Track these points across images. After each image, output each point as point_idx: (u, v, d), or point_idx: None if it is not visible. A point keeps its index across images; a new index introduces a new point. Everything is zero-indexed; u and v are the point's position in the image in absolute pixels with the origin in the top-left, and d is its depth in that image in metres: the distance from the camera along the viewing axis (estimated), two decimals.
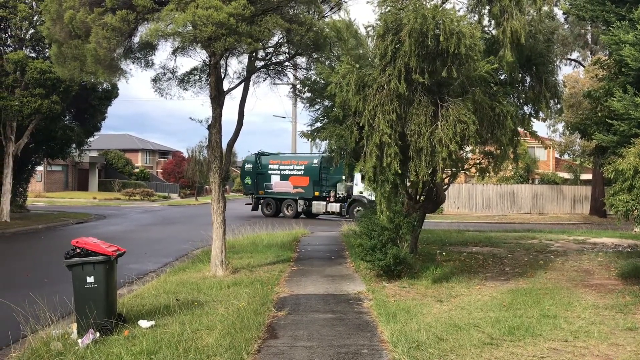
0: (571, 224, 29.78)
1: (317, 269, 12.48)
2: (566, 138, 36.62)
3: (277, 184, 32.61)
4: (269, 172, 32.76)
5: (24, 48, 23.51)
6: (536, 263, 13.15)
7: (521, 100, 12.15)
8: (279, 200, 32.65)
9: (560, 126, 35.39)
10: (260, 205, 33.40)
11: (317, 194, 31.45)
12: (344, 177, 30.53)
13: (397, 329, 7.18)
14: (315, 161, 31.89)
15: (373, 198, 29.56)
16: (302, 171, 31.99)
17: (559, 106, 12.69)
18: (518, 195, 37.30)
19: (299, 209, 31.72)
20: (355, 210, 30.03)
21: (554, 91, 11.94)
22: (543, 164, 46.46)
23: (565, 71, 67.12)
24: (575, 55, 36.06)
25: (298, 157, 33.47)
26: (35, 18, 22.92)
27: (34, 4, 22.76)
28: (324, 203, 31.12)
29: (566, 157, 43.67)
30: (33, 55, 23.97)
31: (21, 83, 22.53)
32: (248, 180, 33.64)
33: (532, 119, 12.21)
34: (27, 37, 23.53)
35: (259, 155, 33.68)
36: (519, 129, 11.86)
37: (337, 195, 30.96)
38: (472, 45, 8.93)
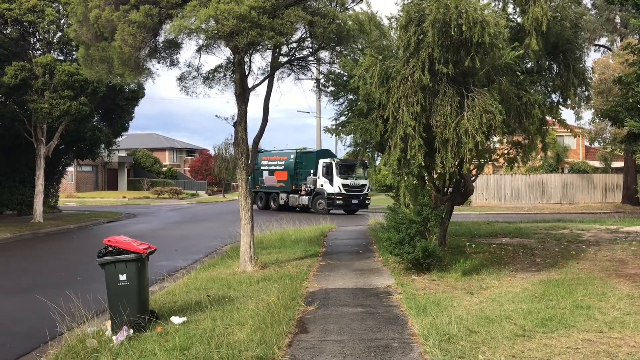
0: (603, 213, 29.23)
1: (346, 263, 12.48)
2: (596, 125, 35.91)
3: (267, 179, 34.97)
4: (262, 167, 34.93)
5: (52, 51, 23.98)
6: (567, 253, 12.95)
7: (549, 89, 11.97)
8: (268, 194, 35.18)
9: (589, 113, 34.70)
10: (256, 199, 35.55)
11: (294, 187, 33.42)
12: (312, 171, 32.45)
13: (428, 322, 7.14)
14: (292, 156, 34.05)
15: (331, 191, 30.95)
16: (283, 166, 34.16)
17: (587, 93, 12.46)
18: (547, 185, 36.75)
19: (281, 202, 34.01)
20: (317, 203, 31.85)
21: (582, 78, 11.74)
22: (572, 153, 45.70)
23: (594, 57, 65.79)
24: (603, 40, 35.31)
25: (281, 153, 35.48)
26: (62, 21, 23.34)
27: (60, 7, 23.14)
28: (297, 196, 33.07)
29: (596, 145, 42.80)
30: (61, 58, 24.45)
31: (50, 86, 22.95)
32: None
33: (560, 106, 12.01)
34: (54, 40, 23.98)
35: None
36: (547, 117, 11.67)
37: (307, 189, 32.52)
38: (497, 34, 8.80)
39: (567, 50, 11.29)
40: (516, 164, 12.61)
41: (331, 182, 31.08)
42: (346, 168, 31.53)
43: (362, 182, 31.62)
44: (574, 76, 11.41)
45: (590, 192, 36.40)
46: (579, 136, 38.62)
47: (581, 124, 36.11)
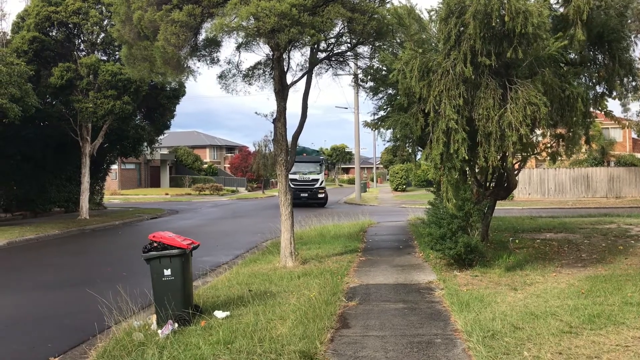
0: None
1: (386, 258, 12.43)
2: None
3: None
4: None
5: (95, 52, 24.56)
6: (615, 248, 12.60)
7: (593, 80, 11.63)
8: None
9: (637, 105, 33.57)
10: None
11: None
12: None
13: (471, 318, 7.06)
14: None
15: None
16: None
17: (634, 84, 12.08)
18: (592, 178, 35.79)
19: None
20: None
21: (628, 68, 11.36)
22: (619, 145, 44.36)
23: None
24: None
25: None
26: (105, 22, 23.88)
27: (103, 9, 23.69)
28: None
29: None
30: (104, 58, 25.00)
31: (94, 86, 23.52)
32: None
33: (606, 98, 11.67)
34: (98, 41, 24.54)
35: None
36: (591, 109, 11.37)
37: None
38: (540, 24, 8.61)
39: (612, 40, 10.95)
40: (559, 158, 12.32)
41: None
42: (297, 164, 34.19)
43: (313, 177, 34.50)
44: (620, 67, 11.06)
45: (639, 185, 35.29)
46: (626, 128, 37.49)
47: (629, 116, 34.98)
